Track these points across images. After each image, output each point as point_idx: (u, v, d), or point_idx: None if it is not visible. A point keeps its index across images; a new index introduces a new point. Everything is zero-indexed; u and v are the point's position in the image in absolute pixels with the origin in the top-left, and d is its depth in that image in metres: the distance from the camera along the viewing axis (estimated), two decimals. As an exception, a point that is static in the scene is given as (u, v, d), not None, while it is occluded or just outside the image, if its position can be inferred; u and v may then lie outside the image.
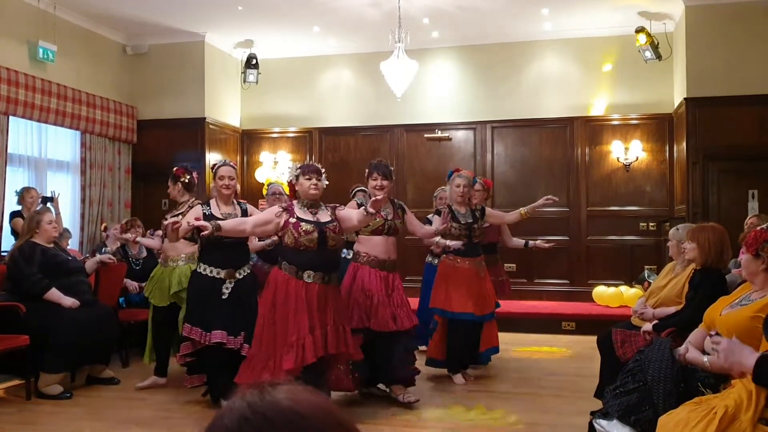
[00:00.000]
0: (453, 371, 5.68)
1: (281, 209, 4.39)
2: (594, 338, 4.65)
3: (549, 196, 5.80)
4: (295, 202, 4.47)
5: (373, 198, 4.35)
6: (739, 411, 2.17)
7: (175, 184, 5.59)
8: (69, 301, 5.29)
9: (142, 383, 5.47)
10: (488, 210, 5.96)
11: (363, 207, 4.45)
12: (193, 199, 5.57)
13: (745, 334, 2.79)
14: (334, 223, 4.37)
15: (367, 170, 5.13)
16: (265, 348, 4.24)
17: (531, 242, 6.51)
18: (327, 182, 4.57)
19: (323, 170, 4.55)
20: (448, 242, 5.37)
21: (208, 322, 4.66)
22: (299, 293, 4.20)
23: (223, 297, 4.71)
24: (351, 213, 4.49)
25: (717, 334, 2.57)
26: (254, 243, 5.50)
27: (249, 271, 4.92)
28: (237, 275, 4.78)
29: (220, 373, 4.71)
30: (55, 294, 5.29)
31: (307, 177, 4.42)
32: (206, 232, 4.15)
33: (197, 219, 4.40)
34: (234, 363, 4.52)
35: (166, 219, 4.60)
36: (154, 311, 5.53)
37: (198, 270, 4.82)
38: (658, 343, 3.34)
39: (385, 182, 4.99)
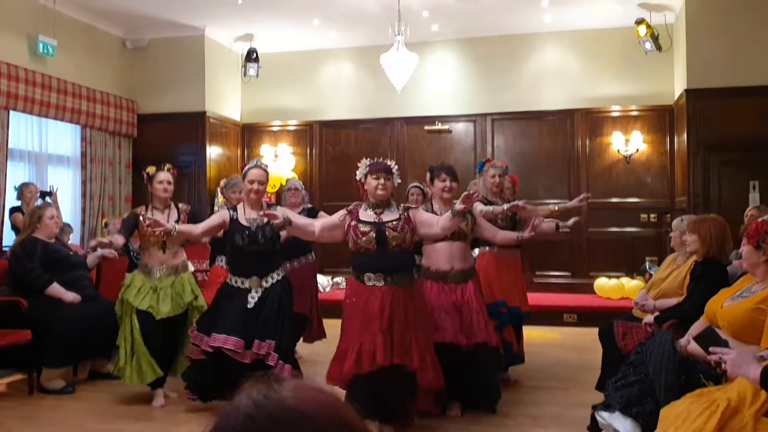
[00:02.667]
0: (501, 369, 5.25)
1: (346, 212, 4.15)
2: (596, 330, 4.66)
3: (584, 194, 5.54)
4: (361, 203, 4.19)
5: (464, 194, 3.81)
6: (742, 405, 2.18)
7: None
8: (70, 296, 5.30)
9: (157, 402, 4.94)
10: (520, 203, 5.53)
11: (451, 210, 4.00)
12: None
13: (745, 326, 2.80)
14: (399, 222, 4.04)
15: (429, 173, 4.77)
16: (346, 344, 4.04)
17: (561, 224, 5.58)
18: (399, 181, 4.22)
19: (395, 168, 4.19)
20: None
21: (211, 326, 4.40)
22: (364, 297, 3.97)
23: (248, 306, 4.41)
24: (431, 218, 4.13)
25: (724, 341, 2.58)
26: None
27: (280, 277, 4.55)
28: (264, 283, 4.46)
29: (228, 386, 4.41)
30: (56, 289, 5.30)
31: (375, 176, 4.10)
32: (278, 222, 3.92)
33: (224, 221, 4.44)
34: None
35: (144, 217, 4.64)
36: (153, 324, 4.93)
37: (228, 281, 4.57)
38: (660, 335, 3.34)
39: (454, 184, 4.64)
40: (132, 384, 4.86)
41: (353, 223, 4.07)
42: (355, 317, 4.00)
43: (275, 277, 4.52)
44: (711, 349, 2.48)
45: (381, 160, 4.21)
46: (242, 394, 0.81)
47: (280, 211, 4.22)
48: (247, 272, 4.47)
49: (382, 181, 4.09)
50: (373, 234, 3.99)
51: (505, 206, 4.82)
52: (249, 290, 4.45)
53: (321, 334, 6.11)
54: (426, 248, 4.60)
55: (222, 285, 4.63)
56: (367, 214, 4.10)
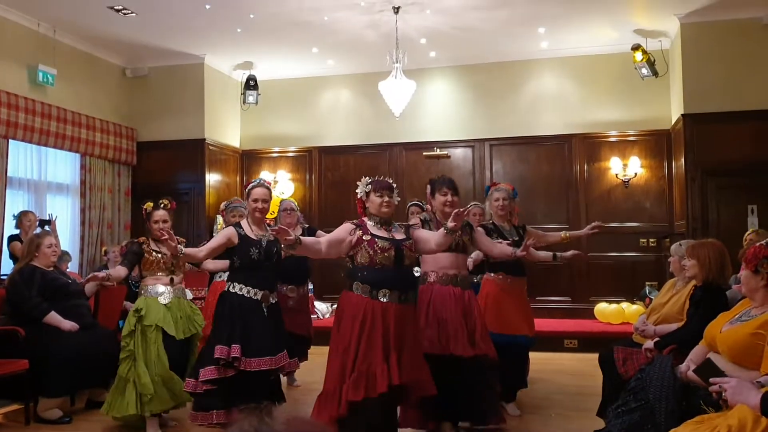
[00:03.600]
0: (507, 400, 5.20)
1: (354, 226, 4.10)
2: (596, 356, 4.63)
3: (596, 223, 5.48)
4: (366, 219, 4.15)
5: (455, 212, 3.88)
6: (742, 431, 2.16)
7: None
8: (68, 325, 5.27)
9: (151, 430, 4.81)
10: (529, 228, 5.54)
11: (443, 227, 4.05)
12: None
13: (745, 350, 2.78)
14: (410, 241, 4.10)
15: (429, 187, 4.78)
16: (334, 380, 3.90)
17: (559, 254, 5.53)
18: (399, 199, 4.23)
19: (395, 186, 4.22)
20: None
21: (251, 343, 4.31)
22: (376, 314, 3.89)
23: (264, 313, 4.44)
24: (428, 235, 4.17)
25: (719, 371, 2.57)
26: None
27: (275, 300, 4.60)
28: (270, 299, 4.51)
29: (246, 400, 4.27)
30: (54, 317, 5.27)
31: (379, 194, 4.11)
32: (290, 238, 3.83)
33: (229, 238, 4.43)
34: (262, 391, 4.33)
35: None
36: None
37: (231, 290, 4.47)
38: (660, 360, 3.32)
39: (455, 198, 4.65)
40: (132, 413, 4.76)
41: (367, 237, 4.01)
42: (365, 336, 3.88)
43: (275, 297, 4.59)
44: (711, 379, 2.47)
45: (382, 178, 4.21)
46: (236, 426, 0.81)
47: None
48: (261, 285, 4.46)
49: (386, 198, 4.11)
50: (393, 251, 3.97)
51: (517, 252, 4.67)
52: (261, 302, 4.44)
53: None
54: (427, 257, 4.56)
55: (227, 295, 4.48)
56: (379, 230, 4.08)
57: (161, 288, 4.90)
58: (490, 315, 5.02)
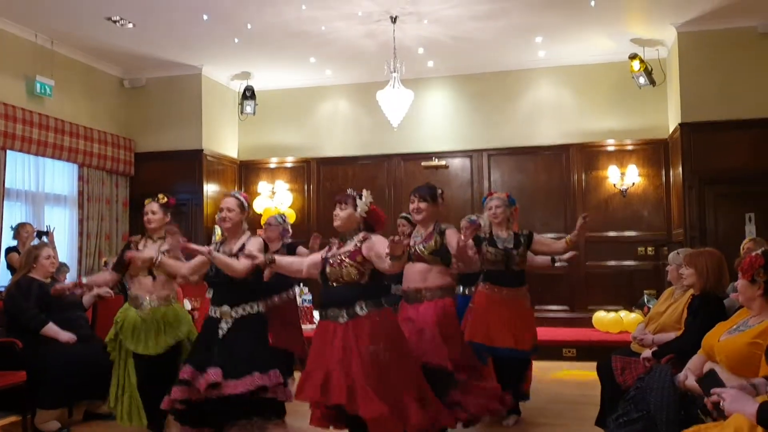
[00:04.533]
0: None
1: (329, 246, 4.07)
2: (595, 364, 4.61)
3: (582, 215, 5.17)
4: None
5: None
6: (739, 440, 2.17)
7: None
8: (66, 336, 5.26)
9: None
10: (536, 236, 5.29)
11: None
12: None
13: (743, 360, 2.78)
14: (339, 258, 3.89)
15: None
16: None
17: (557, 257, 5.52)
18: (367, 207, 3.97)
19: (356, 195, 4.00)
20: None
21: (201, 362, 4.24)
22: (318, 329, 3.98)
23: (218, 336, 4.29)
24: (382, 252, 3.76)
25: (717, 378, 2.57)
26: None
27: (254, 311, 4.38)
28: (233, 314, 4.32)
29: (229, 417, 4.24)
30: (51, 329, 5.26)
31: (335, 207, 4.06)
32: (258, 261, 3.85)
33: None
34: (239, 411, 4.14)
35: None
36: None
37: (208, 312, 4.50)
38: (659, 370, 3.32)
39: (422, 204, 4.61)
40: (125, 426, 4.78)
41: (325, 256, 4.02)
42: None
43: (248, 309, 4.36)
44: (711, 390, 2.47)
45: (350, 191, 4.07)
46: None
47: (255, 245, 4.23)
48: (219, 301, 4.38)
49: (336, 210, 4.02)
50: (320, 268, 3.97)
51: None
52: (220, 319, 4.34)
53: None
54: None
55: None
56: (336, 246, 4.02)
57: (141, 294, 4.79)
58: (474, 325, 4.99)
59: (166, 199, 5.03)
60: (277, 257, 4.06)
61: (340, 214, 3.98)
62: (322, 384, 3.69)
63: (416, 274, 4.61)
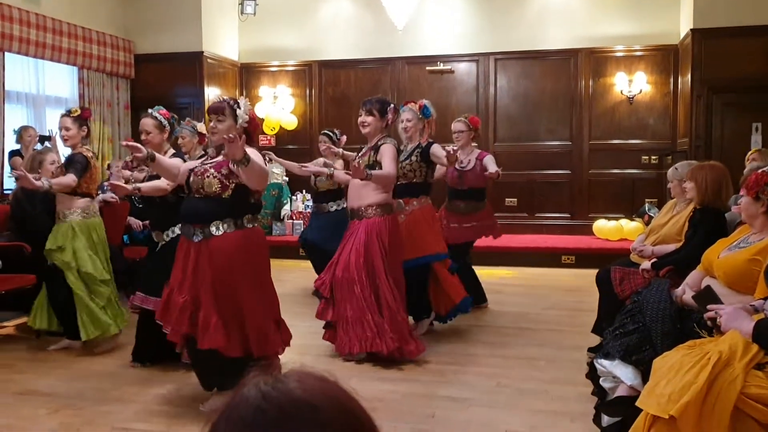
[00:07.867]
0: (418, 318, 5.13)
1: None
2: (593, 272, 4.68)
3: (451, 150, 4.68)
4: None
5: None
6: (733, 358, 2.22)
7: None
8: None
9: (56, 346, 5.00)
10: (434, 147, 4.94)
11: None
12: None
13: (741, 276, 2.83)
14: (203, 167, 3.62)
15: None
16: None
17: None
18: (245, 118, 3.66)
19: (236, 106, 3.66)
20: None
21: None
22: (179, 244, 3.79)
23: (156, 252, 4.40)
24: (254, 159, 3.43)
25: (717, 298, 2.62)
26: None
27: (175, 234, 4.28)
28: (165, 237, 4.40)
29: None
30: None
31: (210, 119, 3.73)
32: (139, 155, 3.54)
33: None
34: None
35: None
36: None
37: None
38: (656, 284, 3.37)
39: (368, 118, 4.56)
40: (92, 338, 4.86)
41: None
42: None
43: (176, 231, 4.21)
44: (709, 307, 2.52)
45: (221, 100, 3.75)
46: (248, 385, 0.83)
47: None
48: (153, 226, 4.54)
49: (212, 123, 3.68)
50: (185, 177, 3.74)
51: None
52: (157, 242, 4.44)
53: None
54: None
55: None
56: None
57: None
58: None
59: (78, 111, 4.90)
60: (158, 155, 3.72)
61: (219, 127, 3.62)
62: (180, 309, 3.57)
63: (353, 191, 4.58)
